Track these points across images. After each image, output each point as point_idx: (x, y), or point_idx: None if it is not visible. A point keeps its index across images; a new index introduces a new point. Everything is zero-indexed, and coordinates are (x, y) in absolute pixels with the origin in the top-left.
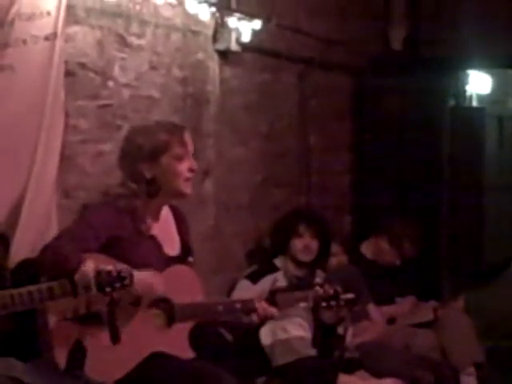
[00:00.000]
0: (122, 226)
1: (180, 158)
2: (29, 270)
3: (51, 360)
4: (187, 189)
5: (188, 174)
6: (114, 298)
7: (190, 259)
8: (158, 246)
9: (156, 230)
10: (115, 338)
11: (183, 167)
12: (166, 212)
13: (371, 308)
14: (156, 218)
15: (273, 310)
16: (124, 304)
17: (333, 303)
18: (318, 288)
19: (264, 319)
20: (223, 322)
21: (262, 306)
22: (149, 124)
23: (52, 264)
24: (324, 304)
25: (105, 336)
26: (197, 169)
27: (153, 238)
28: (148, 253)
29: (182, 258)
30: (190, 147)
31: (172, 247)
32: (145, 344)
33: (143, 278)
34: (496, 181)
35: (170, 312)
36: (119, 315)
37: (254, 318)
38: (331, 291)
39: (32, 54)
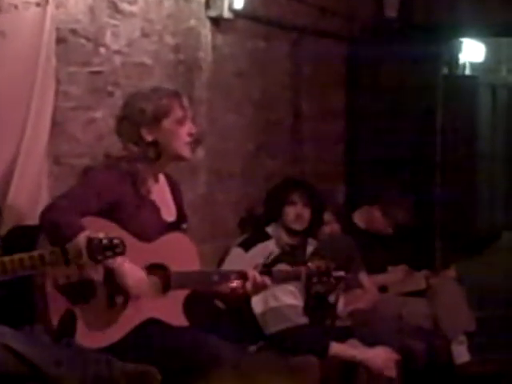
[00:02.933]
0: (123, 190)
1: (181, 122)
2: (20, 238)
3: (47, 325)
4: (187, 152)
5: (188, 138)
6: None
7: (184, 226)
8: (157, 211)
9: (155, 194)
10: (112, 302)
11: (183, 131)
12: (162, 179)
13: (363, 276)
14: (155, 182)
15: (266, 280)
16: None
17: (324, 279)
18: (310, 264)
19: (257, 288)
20: (217, 294)
21: (255, 276)
22: (148, 89)
23: (53, 227)
24: (315, 279)
25: (97, 302)
26: (196, 134)
27: (152, 202)
28: (148, 217)
29: (177, 224)
30: (189, 112)
31: (169, 213)
32: (139, 310)
33: (132, 270)
34: (488, 149)
35: (166, 279)
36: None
37: (248, 286)
38: (323, 267)
39: (23, 19)
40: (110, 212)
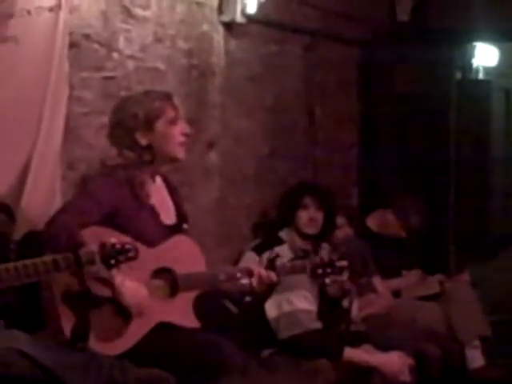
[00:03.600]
0: (122, 197)
1: (173, 122)
2: (34, 242)
3: (58, 332)
4: (181, 153)
5: (181, 138)
6: None
7: (185, 226)
8: (156, 216)
9: (154, 198)
10: (121, 311)
11: (176, 131)
12: (159, 182)
13: (377, 281)
14: (151, 188)
15: (271, 275)
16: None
17: (328, 270)
18: (313, 256)
19: (262, 284)
20: (226, 292)
21: (260, 271)
22: (137, 93)
23: (55, 242)
24: (320, 271)
25: (110, 308)
26: (189, 133)
27: (152, 207)
28: (148, 222)
29: (177, 227)
30: (181, 111)
31: (168, 216)
32: (150, 315)
33: (134, 289)
34: (502, 153)
35: (173, 282)
36: None
37: (254, 282)
38: (326, 258)
39: (36, 25)
40: (111, 220)
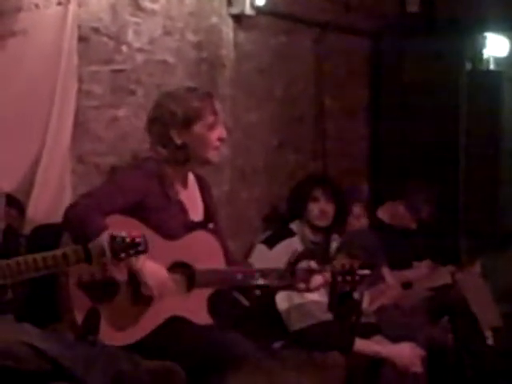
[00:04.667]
0: (149, 191)
1: (211, 127)
2: (44, 236)
3: (72, 323)
4: (215, 157)
5: (217, 143)
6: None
7: (210, 225)
8: (185, 212)
9: (183, 195)
10: (136, 301)
11: (214, 136)
12: (191, 179)
13: (386, 272)
14: (184, 184)
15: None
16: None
17: (348, 278)
18: (335, 262)
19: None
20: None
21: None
22: (180, 90)
23: (77, 224)
24: (340, 279)
25: (121, 301)
26: (226, 138)
27: (180, 202)
28: (174, 216)
29: (204, 224)
30: (221, 115)
31: (196, 213)
32: (163, 308)
33: (155, 270)
34: None
35: (190, 277)
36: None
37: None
38: (347, 266)
39: (45, 18)
40: (136, 211)
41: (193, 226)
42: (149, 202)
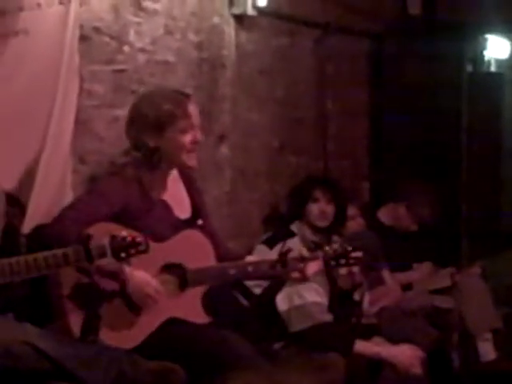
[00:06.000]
0: (131, 196)
1: (184, 131)
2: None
3: (65, 326)
4: (190, 161)
5: (191, 146)
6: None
7: (200, 222)
8: (169, 211)
9: (166, 195)
10: (131, 306)
11: (186, 139)
12: (174, 176)
13: (386, 274)
14: (163, 186)
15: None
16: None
17: (342, 261)
18: (326, 247)
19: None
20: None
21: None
22: (155, 92)
23: (61, 238)
24: (333, 263)
25: (120, 302)
26: (200, 140)
27: (163, 202)
28: (159, 219)
29: (192, 221)
30: (195, 118)
31: (182, 210)
32: (159, 310)
33: (141, 281)
34: None
35: (182, 277)
36: None
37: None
38: (340, 250)
39: (46, 17)
40: (121, 217)
41: (180, 225)
42: (132, 207)
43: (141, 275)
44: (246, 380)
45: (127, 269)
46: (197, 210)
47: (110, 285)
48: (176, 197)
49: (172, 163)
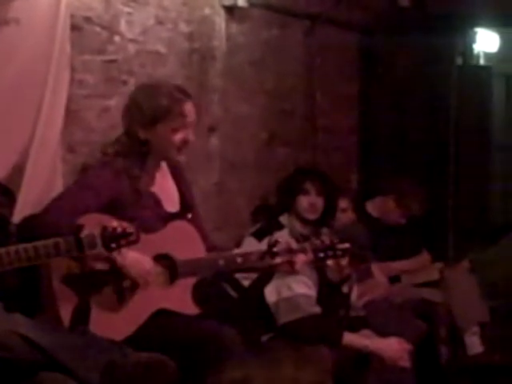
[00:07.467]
0: (120, 187)
1: (176, 129)
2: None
3: (55, 316)
4: (178, 157)
5: (180, 145)
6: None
7: (189, 216)
8: (157, 202)
9: (155, 187)
10: (120, 297)
11: (176, 138)
12: (163, 169)
13: (374, 267)
14: (152, 178)
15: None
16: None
17: (330, 253)
18: (313, 239)
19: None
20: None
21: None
22: (156, 84)
23: (51, 229)
24: (321, 254)
25: (108, 295)
26: (191, 140)
27: (152, 194)
28: (148, 211)
29: (181, 215)
30: (190, 119)
31: (171, 204)
32: (149, 302)
33: (137, 259)
34: (503, 139)
35: (172, 269)
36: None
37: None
38: (327, 241)
39: (38, 7)
40: (110, 209)
41: (169, 218)
42: (121, 198)
43: (136, 254)
44: (241, 372)
45: (122, 250)
46: (186, 205)
47: (103, 265)
48: (165, 190)
49: (159, 157)
